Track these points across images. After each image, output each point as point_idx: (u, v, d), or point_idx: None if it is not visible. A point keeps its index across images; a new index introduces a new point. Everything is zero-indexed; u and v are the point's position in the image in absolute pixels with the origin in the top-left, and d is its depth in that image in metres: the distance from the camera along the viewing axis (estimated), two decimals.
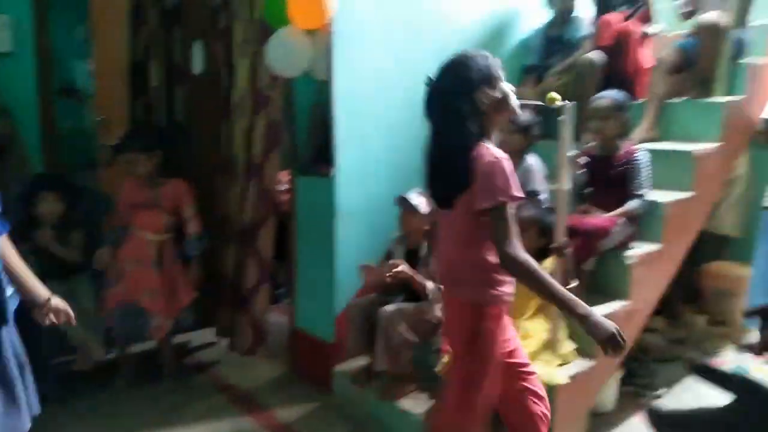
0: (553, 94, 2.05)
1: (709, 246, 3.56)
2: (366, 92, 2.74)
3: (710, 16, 2.85)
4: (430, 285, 2.37)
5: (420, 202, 2.45)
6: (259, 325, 3.00)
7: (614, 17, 3.13)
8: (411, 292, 2.45)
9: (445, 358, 2.25)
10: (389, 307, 2.40)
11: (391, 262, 2.43)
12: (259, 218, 2.92)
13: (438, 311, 2.43)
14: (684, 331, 3.37)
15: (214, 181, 3.24)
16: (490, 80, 1.61)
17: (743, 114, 2.96)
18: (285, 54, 2.56)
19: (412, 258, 2.51)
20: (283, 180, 3.07)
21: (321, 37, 2.58)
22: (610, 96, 2.54)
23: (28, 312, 1.54)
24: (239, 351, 3.07)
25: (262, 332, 3.01)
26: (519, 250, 1.50)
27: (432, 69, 2.95)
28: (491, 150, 1.57)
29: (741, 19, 2.87)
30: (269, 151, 2.85)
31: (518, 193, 1.54)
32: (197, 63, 3.30)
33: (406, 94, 2.87)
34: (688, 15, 3.15)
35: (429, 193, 1.82)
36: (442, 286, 1.80)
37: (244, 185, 2.97)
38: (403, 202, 2.49)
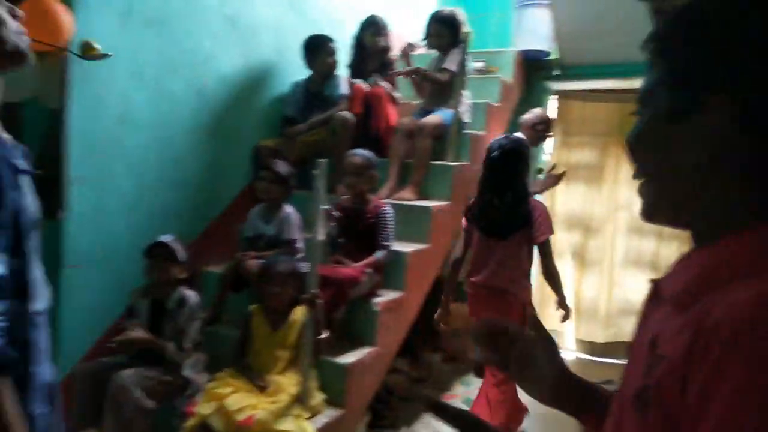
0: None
1: (443, 289, 4.02)
2: (109, 126, 2.46)
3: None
4: (170, 347, 2.18)
5: (178, 248, 2.27)
6: None
7: (364, 84, 3.41)
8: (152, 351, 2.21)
9: (191, 421, 2.08)
10: (125, 372, 2.12)
11: (129, 324, 2.20)
12: None
13: (187, 371, 2.25)
14: (425, 370, 3.71)
15: None
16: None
17: (468, 175, 3.46)
18: (7, 76, 2.16)
19: (158, 311, 2.28)
20: None
21: (52, 59, 2.25)
22: (361, 154, 2.72)
23: None
24: None
25: None
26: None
27: (188, 108, 2.86)
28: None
29: (456, 101, 3.36)
30: None
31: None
32: None
33: (158, 133, 2.67)
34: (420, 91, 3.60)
35: (483, 229, 2.65)
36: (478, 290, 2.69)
37: None
38: (160, 248, 2.27)
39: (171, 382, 2.19)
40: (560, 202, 4.76)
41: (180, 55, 2.75)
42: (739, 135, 0.52)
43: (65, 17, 2.14)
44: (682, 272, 0.56)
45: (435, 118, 3.26)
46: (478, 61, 4.05)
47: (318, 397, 2.27)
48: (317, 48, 3.28)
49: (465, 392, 3.57)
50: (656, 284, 0.61)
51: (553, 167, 3.70)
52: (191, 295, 2.32)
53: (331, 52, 3.30)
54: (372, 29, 3.48)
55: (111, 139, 2.48)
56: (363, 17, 3.55)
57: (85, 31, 2.26)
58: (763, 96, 0.50)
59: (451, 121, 3.29)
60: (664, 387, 0.49)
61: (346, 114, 3.20)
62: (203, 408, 2.08)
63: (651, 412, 0.51)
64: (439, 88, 3.38)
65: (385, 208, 2.69)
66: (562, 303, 2.71)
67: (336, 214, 2.66)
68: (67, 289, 2.35)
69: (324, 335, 2.24)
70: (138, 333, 2.16)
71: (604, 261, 4.71)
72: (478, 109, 3.66)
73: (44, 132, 2.42)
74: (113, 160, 2.49)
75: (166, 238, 2.31)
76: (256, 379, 2.22)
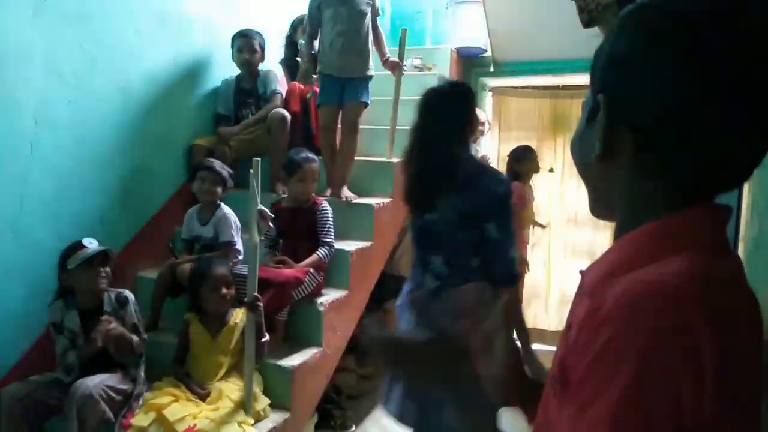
0: None
1: (388, 286, 4.03)
2: (25, 127, 2.29)
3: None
4: (136, 340, 2.14)
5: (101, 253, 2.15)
6: None
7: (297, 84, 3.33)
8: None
9: None
10: (89, 381, 1.99)
11: (104, 318, 2.09)
12: None
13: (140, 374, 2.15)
14: (373, 367, 3.69)
15: None
16: None
17: None
18: None
19: (88, 321, 2.13)
20: None
21: None
22: (314, 158, 2.64)
23: None
24: None
25: None
26: None
27: (112, 107, 2.70)
28: None
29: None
30: None
31: None
32: None
33: (78, 133, 2.51)
34: None
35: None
36: None
37: None
38: (78, 253, 2.12)
39: (128, 392, 2.09)
40: None
41: (102, 51, 2.59)
42: (624, 131, 0.56)
43: None
44: (599, 264, 0.60)
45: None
46: (416, 58, 4.07)
47: (262, 402, 2.20)
48: (235, 42, 3.19)
49: None
50: (582, 275, 0.64)
51: None
52: (125, 292, 2.24)
53: (249, 48, 3.17)
54: (303, 27, 3.42)
55: (27, 141, 2.30)
56: (295, 15, 3.49)
57: None
58: (629, 95, 0.56)
59: None
60: (567, 367, 0.54)
61: (282, 111, 3.13)
62: (141, 419, 1.97)
63: (558, 393, 0.55)
64: None
65: (324, 205, 2.64)
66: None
67: (270, 215, 2.53)
68: None
69: (266, 339, 2.17)
70: (118, 326, 2.09)
71: (544, 251, 4.85)
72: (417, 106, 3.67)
73: None
74: (30, 163, 2.32)
75: (87, 241, 2.17)
76: (196, 387, 2.13)
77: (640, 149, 0.56)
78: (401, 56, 3.37)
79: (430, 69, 4.13)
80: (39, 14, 2.30)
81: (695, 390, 0.45)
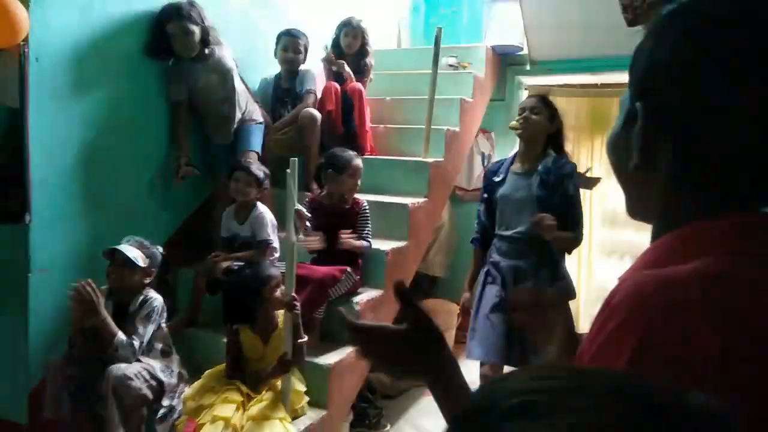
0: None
1: (421, 285, 4.02)
2: (70, 126, 2.36)
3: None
4: (120, 336, 2.08)
5: (136, 254, 2.17)
6: None
7: (337, 83, 3.35)
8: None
9: None
10: (126, 365, 2.05)
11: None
12: None
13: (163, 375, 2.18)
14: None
15: None
16: None
17: (444, 172, 3.45)
18: None
19: (122, 314, 2.19)
20: None
21: (9, 57, 2.15)
22: (357, 157, 2.69)
23: None
24: None
25: None
26: None
27: (154, 105, 2.76)
28: None
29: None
30: None
31: None
32: None
33: (122, 132, 2.58)
34: None
35: None
36: None
37: None
38: (112, 256, 2.18)
39: (164, 382, 2.14)
40: None
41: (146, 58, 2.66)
42: (664, 140, 0.55)
43: (20, 13, 2.05)
44: (633, 268, 0.60)
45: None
46: (450, 57, 4.04)
47: (302, 400, 2.22)
48: (280, 40, 3.22)
49: None
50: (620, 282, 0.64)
51: (587, 170, 3.75)
52: (154, 298, 2.23)
53: (294, 47, 3.20)
54: (347, 30, 3.45)
55: (71, 141, 2.38)
56: (340, 18, 3.51)
57: (42, 30, 2.17)
58: (671, 103, 0.54)
59: None
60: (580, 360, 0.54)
61: (311, 111, 3.15)
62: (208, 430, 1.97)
63: None
64: None
65: (365, 205, 2.66)
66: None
67: (307, 214, 2.53)
68: (36, 293, 2.26)
69: (304, 339, 2.18)
70: (103, 308, 2.07)
71: (581, 251, 4.76)
72: (452, 105, 3.65)
73: (3, 132, 2.32)
74: (76, 161, 2.40)
75: (126, 243, 2.21)
76: (248, 388, 2.15)
77: (679, 158, 0.55)
78: (437, 55, 3.36)
79: (464, 67, 4.10)
80: (85, 16, 2.38)
81: (693, 374, 0.45)
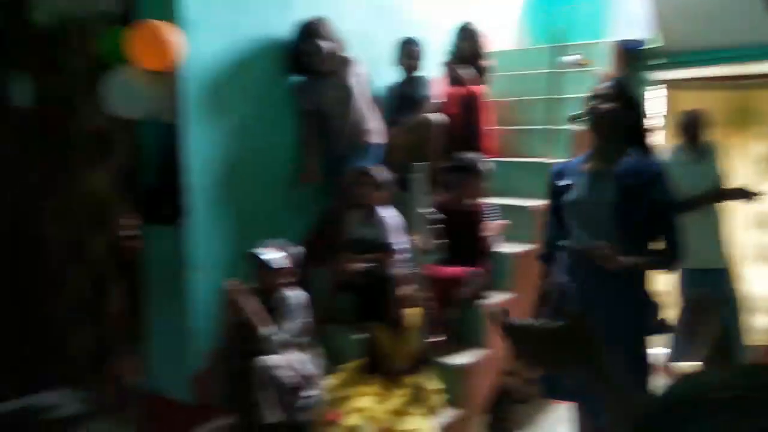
0: None
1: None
2: (220, 138, 2.59)
3: None
4: (264, 328, 2.19)
5: (273, 257, 2.30)
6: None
7: (458, 87, 3.36)
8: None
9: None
10: (272, 356, 2.18)
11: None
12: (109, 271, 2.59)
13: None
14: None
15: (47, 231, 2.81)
16: None
17: None
18: (124, 94, 2.34)
19: (268, 311, 2.30)
20: (130, 228, 2.73)
21: (166, 78, 2.40)
22: (482, 159, 2.68)
23: None
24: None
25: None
26: None
27: (288, 115, 2.94)
28: None
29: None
30: (115, 198, 2.58)
31: None
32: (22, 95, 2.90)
33: (264, 143, 2.77)
34: None
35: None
36: None
37: (88, 236, 2.62)
38: (255, 259, 2.32)
39: (306, 375, 2.25)
40: None
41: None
42: None
43: (174, 39, 2.29)
44: None
45: None
46: (573, 55, 3.88)
47: (438, 398, 2.23)
48: (403, 47, 3.31)
49: None
50: None
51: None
52: (292, 295, 2.34)
53: (415, 54, 3.28)
54: (463, 35, 3.46)
55: (222, 151, 2.60)
56: (458, 22, 3.53)
57: (194, 51, 2.40)
58: None
59: None
60: None
61: (430, 116, 3.17)
62: (352, 419, 2.06)
63: None
64: None
65: (491, 207, 2.62)
66: None
67: (436, 215, 2.53)
68: (195, 287, 2.49)
69: (439, 338, 2.19)
70: (250, 305, 2.20)
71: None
72: (577, 104, 3.49)
73: (162, 145, 2.58)
74: (223, 170, 2.61)
75: (264, 246, 2.34)
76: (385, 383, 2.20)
77: None
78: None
79: (587, 65, 3.92)
80: (234, 40, 2.60)
81: None
